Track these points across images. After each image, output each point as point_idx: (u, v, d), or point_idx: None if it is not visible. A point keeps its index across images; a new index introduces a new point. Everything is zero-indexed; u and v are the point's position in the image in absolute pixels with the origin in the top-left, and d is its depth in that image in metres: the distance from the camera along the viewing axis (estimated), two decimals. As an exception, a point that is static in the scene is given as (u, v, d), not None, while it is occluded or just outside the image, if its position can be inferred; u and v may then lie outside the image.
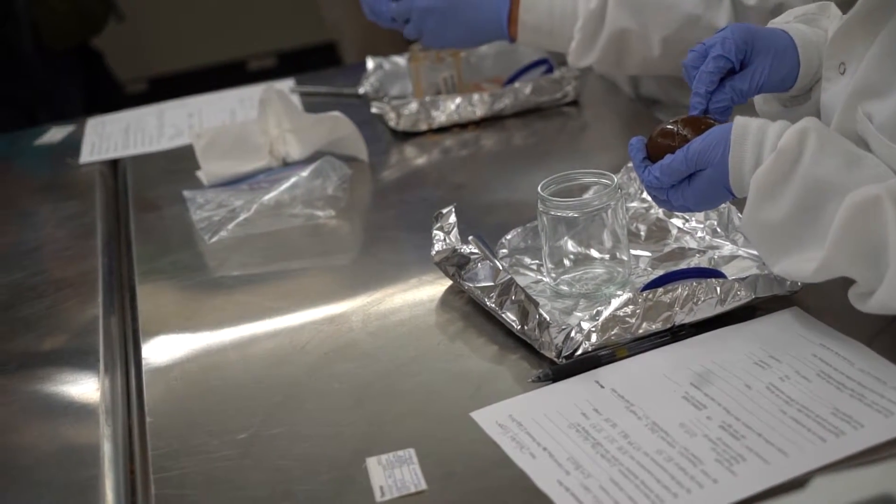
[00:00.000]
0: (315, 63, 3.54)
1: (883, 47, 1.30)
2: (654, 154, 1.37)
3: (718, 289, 1.33)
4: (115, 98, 3.72)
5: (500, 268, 1.42)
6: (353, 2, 2.22)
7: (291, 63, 4.95)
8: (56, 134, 2.35)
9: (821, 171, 1.24)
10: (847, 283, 1.24)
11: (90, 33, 3.74)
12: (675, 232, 1.55)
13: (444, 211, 1.50)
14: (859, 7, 1.33)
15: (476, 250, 1.46)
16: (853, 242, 1.20)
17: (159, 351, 1.49)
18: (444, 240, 1.48)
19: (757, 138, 1.29)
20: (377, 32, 2.30)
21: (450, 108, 2.06)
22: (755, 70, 1.41)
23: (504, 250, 1.55)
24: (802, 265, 1.25)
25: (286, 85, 2.37)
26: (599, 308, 1.34)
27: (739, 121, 1.30)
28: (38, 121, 3.20)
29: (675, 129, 1.35)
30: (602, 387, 1.27)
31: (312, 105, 2.22)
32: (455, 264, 1.47)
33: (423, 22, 1.99)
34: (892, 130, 1.28)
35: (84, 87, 3.72)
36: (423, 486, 1.16)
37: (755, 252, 1.45)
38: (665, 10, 1.86)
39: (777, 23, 1.50)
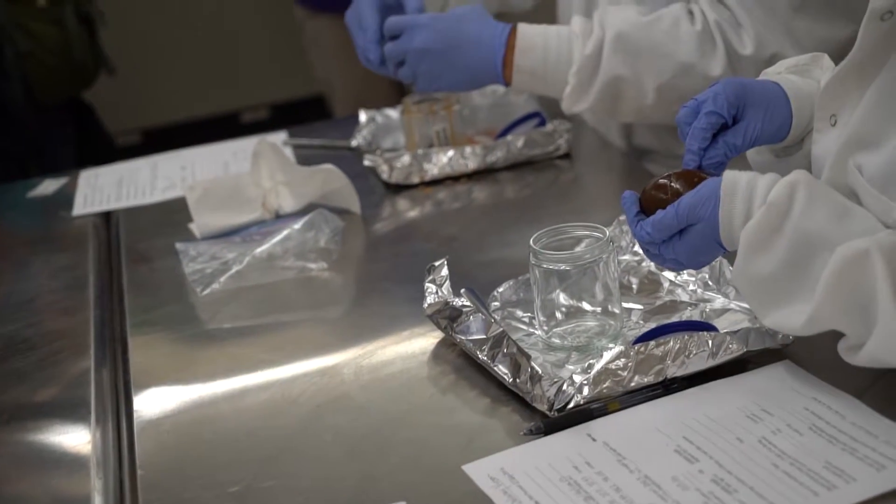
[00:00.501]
0: (307, 115, 3.56)
1: (873, 99, 1.31)
2: (647, 207, 1.38)
3: (710, 342, 1.33)
4: (106, 151, 3.73)
5: (493, 321, 1.42)
6: (344, 56, 2.24)
7: (284, 115, 4.97)
8: (49, 186, 2.36)
9: (810, 225, 1.25)
10: (838, 336, 1.25)
11: (81, 87, 3.76)
12: (666, 285, 1.55)
13: (437, 264, 1.50)
14: (850, 60, 1.34)
15: (468, 303, 1.46)
16: (842, 296, 1.20)
17: (151, 403, 1.48)
18: (437, 292, 1.48)
19: (747, 192, 1.29)
20: (368, 86, 2.32)
21: (442, 160, 2.07)
22: (748, 125, 1.41)
23: (496, 303, 1.56)
24: (792, 318, 1.25)
25: (279, 137, 2.38)
26: (591, 361, 1.34)
27: (729, 175, 1.31)
28: (30, 174, 3.21)
29: (668, 182, 1.36)
30: (594, 440, 1.27)
31: (305, 157, 2.22)
32: (447, 317, 1.47)
33: (419, 63, 1.99)
34: (882, 182, 1.29)
35: (75, 140, 3.73)
36: (416, 539, 1.16)
37: (747, 305, 1.45)
38: (659, 59, 1.87)
39: (769, 73, 1.51)
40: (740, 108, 1.41)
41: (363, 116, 2.33)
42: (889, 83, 1.29)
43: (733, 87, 1.42)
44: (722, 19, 1.86)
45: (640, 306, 1.53)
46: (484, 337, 1.41)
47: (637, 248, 1.62)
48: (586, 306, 1.47)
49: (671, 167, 1.41)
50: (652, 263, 1.58)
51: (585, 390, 1.31)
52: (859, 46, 1.33)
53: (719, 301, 1.50)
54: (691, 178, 1.36)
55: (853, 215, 1.26)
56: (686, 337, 1.33)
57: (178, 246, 1.91)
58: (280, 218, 1.98)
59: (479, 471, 1.24)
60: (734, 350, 1.34)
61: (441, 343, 1.51)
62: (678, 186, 1.35)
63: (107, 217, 2.18)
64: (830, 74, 1.39)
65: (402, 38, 2.01)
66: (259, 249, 1.81)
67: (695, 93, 1.46)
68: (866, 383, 1.29)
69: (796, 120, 1.44)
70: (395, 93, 3.47)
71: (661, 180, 1.37)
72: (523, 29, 1.96)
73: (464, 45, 1.98)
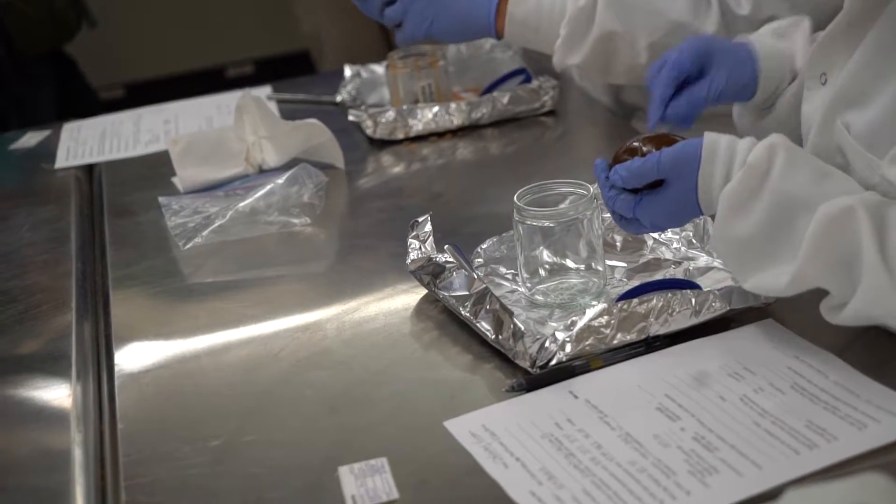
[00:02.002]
0: (292, 71, 3.54)
1: (863, 57, 1.31)
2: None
3: (693, 300, 1.33)
4: (89, 104, 3.71)
5: (476, 277, 1.41)
6: (332, 9, 2.22)
7: (269, 70, 4.94)
8: (31, 139, 2.34)
9: (790, 186, 1.25)
10: (820, 294, 1.25)
11: (63, 39, 3.73)
12: (650, 243, 1.55)
13: (420, 220, 1.50)
14: (841, 18, 1.34)
15: (451, 259, 1.45)
16: (827, 253, 1.20)
17: (132, 357, 1.48)
18: (420, 249, 1.48)
19: (726, 155, 1.29)
20: (355, 40, 2.30)
21: (427, 116, 2.06)
22: (712, 79, 1.43)
23: (479, 260, 1.55)
24: (775, 279, 1.25)
25: (263, 92, 2.36)
26: (574, 318, 1.34)
27: (709, 137, 1.31)
28: (10, 126, 3.19)
29: (640, 145, 1.36)
30: (576, 397, 1.27)
31: (289, 112, 2.21)
32: (430, 273, 1.46)
33: (410, 4, 1.96)
34: (868, 139, 1.28)
35: (57, 94, 3.70)
36: (395, 495, 1.15)
37: (730, 265, 1.45)
38: (653, 16, 1.85)
39: (755, 33, 1.51)
40: (706, 64, 1.42)
41: (348, 71, 2.32)
42: (878, 41, 1.29)
43: (698, 43, 1.44)
44: None
45: (623, 264, 1.53)
46: (467, 293, 1.40)
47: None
48: (570, 263, 1.46)
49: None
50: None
51: (568, 347, 1.31)
52: (850, 4, 1.32)
53: (703, 259, 1.49)
54: (661, 141, 1.35)
55: (833, 177, 1.26)
56: (669, 295, 1.33)
57: (161, 200, 1.90)
58: (263, 172, 1.97)
59: (461, 427, 1.24)
60: (717, 308, 1.34)
61: (424, 299, 1.51)
62: (648, 150, 1.35)
63: (89, 170, 2.17)
64: (822, 33, 1.39)
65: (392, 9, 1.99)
66: (242, 204, 1.80)
67: None
68: (848, 342, 1.30)
69: (764, 79, 1.44)
70: (383, 47, 3.45)
71: (633, 144, 1.37)
72: None
73: (452, 8, 1.96)
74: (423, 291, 1.51)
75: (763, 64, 1.45)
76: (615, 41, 1.88)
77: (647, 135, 1.38)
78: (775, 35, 1.50)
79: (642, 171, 1.33)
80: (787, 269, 1.23)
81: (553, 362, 1.30)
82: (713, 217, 1.32)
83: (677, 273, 1.48)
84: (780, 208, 1.25)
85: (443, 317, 1.46)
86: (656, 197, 1.34)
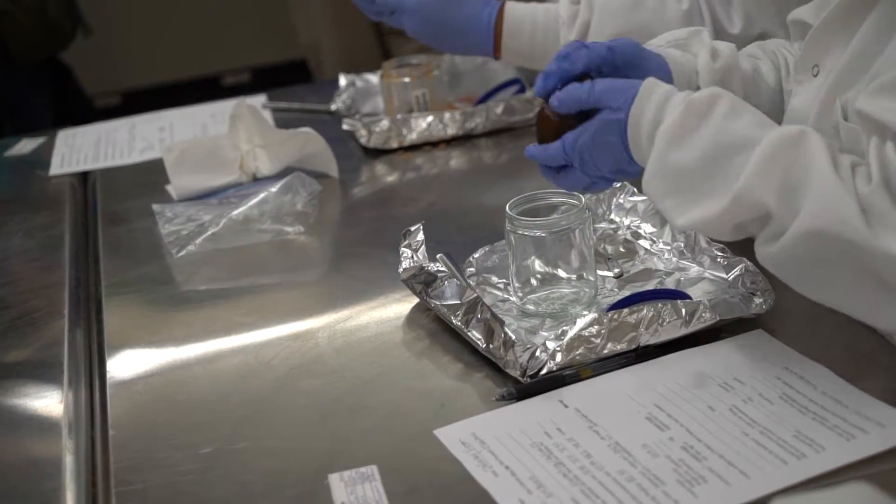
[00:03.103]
0: (289, 79, 3.55)
1: (860, 45, 1.29)
2: (544, 138, 1.40)
3: (684, 310, 1.34)
4: (85, 112, 3.71)
5: (467, 286, 1.42)
6: (329, 18, 2.23)
7: (266, 79, 4.96)
8: (26, 146, 2.35)
9: (731, 126, 1.23)
10: (810, 305, 1.25)
11: (57, 47, 3.74)
12: (642, 253, 1.55)
13: (413, 228, 1.50)
14: (835, 8, 1.32)
15: (443, 268, 1.46)
16: (775, 170, 1.17)
17: (124, 364, 1.48)
18: (412, 257, 1.48)
19: (662, 96, 1.28)
20: (353, 49, 2.30)
21: (421, 126, 2.07)
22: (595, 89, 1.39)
23: (471, 269, 1.55)
24: (711, 207, 1.22)
25: (258, 100, 2.37)
26: (565, 328, 1.34)
27: (650, 80, 1.31)
28: (5, 133, 3.19)
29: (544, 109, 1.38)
30: (566, 406, 1.27)
31: (284, 121, 2.22)
32: (422, 282, 1.47)
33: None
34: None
35: (53, 102, 3.71)
36: (385, 502, 1.16)
37: (721, 275, 1.45)
38: (645, 40, 1.85)
39: (651, 45, 1.50)
40: (619, 67, 1.39)
41: (343, 80, 2.33)
42: (877, 26, 1.27)
43: (630, 47, 1.41)
44: None
45: (611, 274, 1.53)
46: (458, 302, 1.41)
47: (614, 215, 1.62)
48: (561, 273, 1.47)
49: None
50: (628, 232, 1.58)
51: (558, 357, 1.31)
52: None
53: (694, 270, 1.50)
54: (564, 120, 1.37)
55: (776, 126, 1.24)
56: (660, 305, 1.33)
57: (155, 207, 1.91)
58: (257, 181, 1.97)
59: (451, 435, 1.25)
60: (707, 319, 1.34)
61: (416, 308, 1.51)
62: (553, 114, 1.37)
63: (84, 177, 2.18)
64: (815, 25, 1.37)
65: (392, 17, 2.00)
66: (235, 212, 1.80)
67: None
68: (838, 354, 1.30)
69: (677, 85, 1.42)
70: (379, 57, 3.46)
71: (543, 113, 1.38)
72: (511, 10, 1.94)
73: (450, 35, 1.96)
74: (415, 300, 1.52)
75: (675, 77, 1.43)
76: None
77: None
78: (675, 46, 1.49)
79: (573, 96, 1.33)
80: (727, 196, 1.21)
81: (543, 371, 1.31)
82: (638, 168, 1.32)
83: (668, 283, 1.48)
84: (720, 145, 1.23)
85: (434, 325, 1.47)
86: (585, 126, 1.34)
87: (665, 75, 1.42)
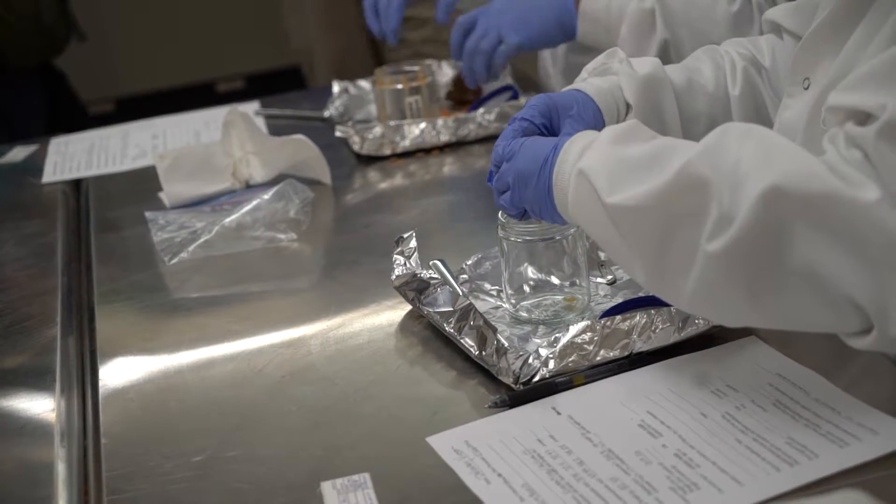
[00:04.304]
0: (283, 86, 3.54)
1: (849, 57, 1.28)
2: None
3: (676, 317, 1.33)
4: (79, 119, 3.71)
5: (460, 293, 1.42)
6: (323, 24, 2.23)
7: (260, 85, 4.96)
8: (19, 153, 2.35)
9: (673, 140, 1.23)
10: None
11: (51, 53, 3.73)
12: (635, 260, 1.55)
13: (405, 235, 1.50)
14: (824, 20, 1.31)
15: (436, 275, 1.46)
16: (718, 153, 1.14)
17: (116, 372, 1.48)
18: (405, 264, 1.48)
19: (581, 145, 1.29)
20: (346, 55, 2.31)
21: (414, 132, 2.07)
22: (567, 132, 1.39)
23: (464, 276, 1.55)
24: (645, 187, 1.19)
25: (251, 107, 2.37)
26: (558, 335, 1.34)
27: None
28: (-1, 141, 3.19)
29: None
30: (559, 413, 1.27)
31: (277, 128, 2.22)
32: (415, 289, 1.47)
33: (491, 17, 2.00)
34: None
35: (47, 108, 3.70)
36: (378, 510, 1.16)
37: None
38: (695, 35, 1.83)
39: (577, 80, 1.50)
40: (553, 117, 1.41)
41: (336, 87, 2.33)
42: (865, 38, 1.26)
43: (543, 100, 1.41)
44: None
45: (604, 281, 1.53)
46: (451, 309, 1.41)
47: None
48: (554, 280, 1.47)
49: None
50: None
51: (551, 364, 1.31)
52: (834, 6, 1.30)
53: (687, 276, 1.50)
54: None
55: None
56: (652, 311, 1.33)
57: (148, 215, 1.91)
58: (250, 188, 1.97)
59: (444, 443, 1.24)
60: (700, 325, 1.34)
61: (409, 315, 1.51)
62: None
63: (76, 185, 2.18)
64: (804, 37, 1.37)
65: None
66: (228, 219, 1.80)
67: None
68: (831, 360, 1.30)
69: (606, 116, 1.42)
70: (373, 63, 3.46)
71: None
72: None
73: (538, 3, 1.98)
74: (407, 307, 1.51)
75: (601, 105, 1.43)
76: (670, 50, 1.87)
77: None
78: (597, 74, 1.49)
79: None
80: (667, 173, 1.17)
81: (536, 379, 1.31)
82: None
83: (661, 290, 1.48)
84: (664, 145, 1.22)
85: (427, 333, 1.47)
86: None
87: (590, 103, 1.42)
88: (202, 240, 1.78)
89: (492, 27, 2.00)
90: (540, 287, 1.47)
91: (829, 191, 1.08)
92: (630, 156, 1.22)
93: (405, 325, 1.50)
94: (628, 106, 1.44)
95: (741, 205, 1.10)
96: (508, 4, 2.00)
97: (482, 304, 1.49)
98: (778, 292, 1.13)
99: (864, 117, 1.13)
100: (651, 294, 1.47)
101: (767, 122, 1.44)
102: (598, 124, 1.40)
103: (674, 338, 1.34)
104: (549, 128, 1.41)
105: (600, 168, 1.23)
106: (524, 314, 1.46)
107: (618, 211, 1.21)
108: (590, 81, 1.46)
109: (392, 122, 2.08)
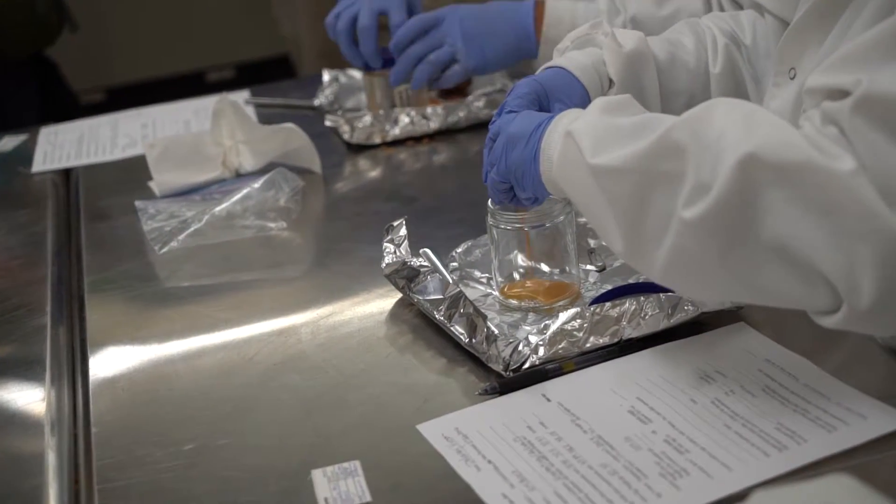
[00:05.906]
0: (273, 75, 3.54)
1: (832, 46, 1.28)
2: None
3: (666, 303, 1.34)
4: (70, 108, 3.69)
5: (450, 281, 1.42)
6: (311, 13, 2.22)
7: (250, 74, 4.95)
8: (8, 143, 2.34)
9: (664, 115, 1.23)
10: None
11: (44, 43, 3.72)
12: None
13: (395, 224, 1.50)
14: (809, 10, 1.31)
15: (426, 263, 1.46)
16: (702, 125, 1.14)
17: (107, 361, 1.48)
18: (395, 252, 1.48)
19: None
20: (335, 44, 2.29)
21: (404, 121, 2.07)
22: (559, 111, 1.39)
23: (454, 263, 1.55)
24: (628, 149, 1.19)
25: (241, 96, 2.37)
26: (547, 322, 1.34)
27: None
28: (-11, 131, 3.18)
29: None
30: (548, 400, 1.27)
31: (267, 117, 2.22)
32: (405, 277, 1.47)
33: (457, 39, 1.99)
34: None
35: (38, 98, 3.69)
36: (368, 498, 1.16)
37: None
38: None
39: (558, 50, 1.51)
40: (543, 103, 1.41)
41: (326, 76, 2.32)
42: (846, 29, 1.27)
43: (531, 86, 1.42)
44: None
45: (594, 268, 1.53)
46: (441, 297, 1.41)
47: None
48: (544, 267, 1.47)
49: None
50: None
51: (541, 351, 1.31)
52: None
53: (677, 263, 1.50)
54: None
55: None
56: (642, 298, 1.34)
57: (138, 204, 1.91)
58: (240, 177, 1.97)
59: (434, 430, 1.25)
60: (689, 312, 1.34)
61: (399, 303, 1.51)
62: None
63: (66, 174, 2.17)
64: (790, 26, 1.37)
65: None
66: (218, 208, 1.80)
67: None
68: (820, 346, 1.30)
69: (591, 92, 1.43)
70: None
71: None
72: (551, 3, 1.94)
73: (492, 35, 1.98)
74: (398, 295, 1.51)
75: (584, 81, 1.43)
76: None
77: None
78: (577, 46, 1.49)
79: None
80: (650, 137, 1.18)
81: (526, 366, 1.31)
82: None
83: (651, 277, 1.48)
84: (655, 117, 1.22)
85: (417, 321, 1.47)
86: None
87: (575, 81, 1.43)
88: (192, 229, 1.78)
89: (449, 40, 2.00)
90: (529, 274, 1.47)
91: (804, 160, 1.08)
92: (619, 123, 1.23)
93: (395, 313, 1.50)
94: (611, 81, 1.45)
95: (718, 172, 1.11)
96: (473, 17, 1.99)
97: (472, 292, 1.49)
98: (749, 264, 1.13)
99: (839, 94, 1.13)
100: (637, 277, 1.48)
101: (746, 100, 1.44)
102: (585, 104, 1.39)
103: (663, 324, 1.34)
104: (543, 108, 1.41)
105: (589, 130, 1.24)
106: (514, 301, 1.46)
107: (600, 171, 1.21)
108: (573, 58, 1.46)
109: (382, 111, 2.08)
